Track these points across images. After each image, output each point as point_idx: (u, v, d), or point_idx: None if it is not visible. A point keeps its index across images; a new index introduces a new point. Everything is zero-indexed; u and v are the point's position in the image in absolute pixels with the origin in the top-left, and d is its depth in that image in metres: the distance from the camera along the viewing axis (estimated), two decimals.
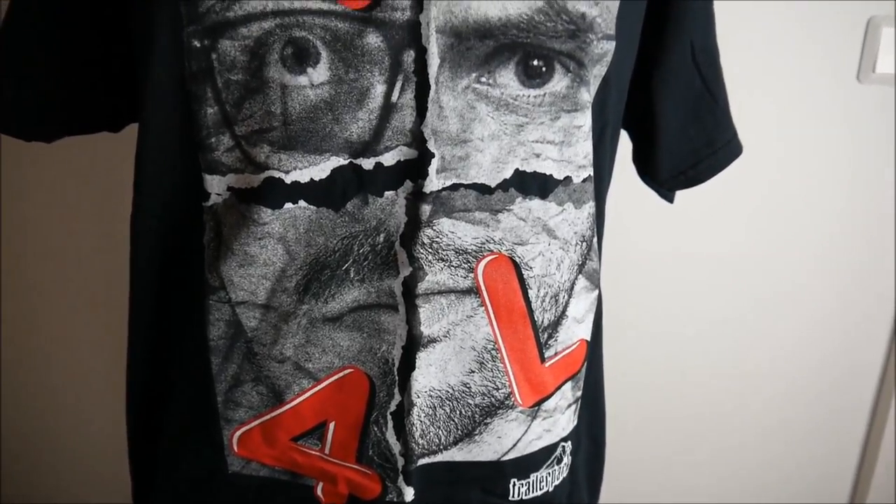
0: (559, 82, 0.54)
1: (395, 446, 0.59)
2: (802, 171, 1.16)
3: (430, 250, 0.55)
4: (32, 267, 1.19)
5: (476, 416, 0.60)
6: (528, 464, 0.64)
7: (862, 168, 1.16)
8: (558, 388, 0.63)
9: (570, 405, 0.65)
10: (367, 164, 0.53)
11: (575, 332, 0.63)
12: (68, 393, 1.26)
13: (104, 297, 1.20)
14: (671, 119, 0.67)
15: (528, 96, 0.54)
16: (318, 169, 0.53)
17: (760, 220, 1.18)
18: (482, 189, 0.55)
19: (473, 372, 0.59)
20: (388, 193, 0.54)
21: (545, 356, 0.61)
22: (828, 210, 1.18)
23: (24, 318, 1.23)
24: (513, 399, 0.60)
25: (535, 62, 0.53)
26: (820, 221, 1.19)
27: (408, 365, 0.57)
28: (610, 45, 0.56)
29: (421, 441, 0.59)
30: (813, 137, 1.14)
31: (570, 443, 0.67)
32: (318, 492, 0.62)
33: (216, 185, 0.55)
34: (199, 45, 0.52)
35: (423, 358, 0.57)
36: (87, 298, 1.20)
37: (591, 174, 0.60)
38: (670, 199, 0.74)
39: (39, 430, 1.29)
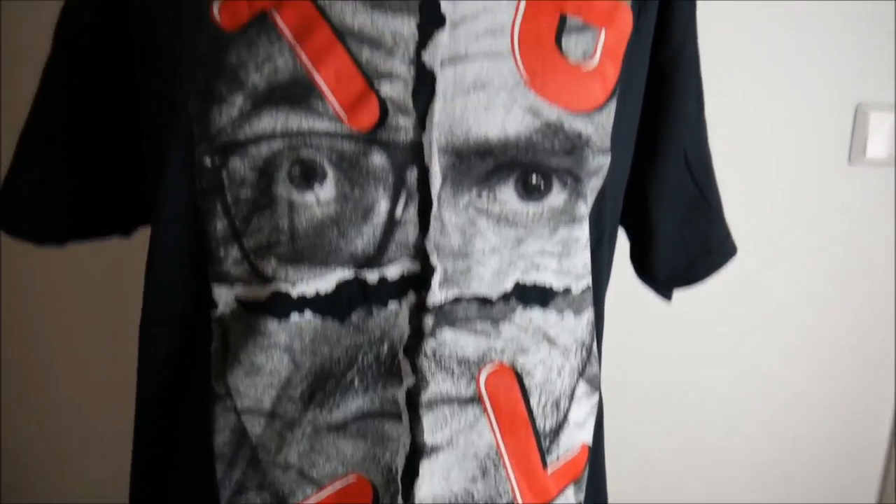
0: (557, 197, 0.56)
1: None
2: (797, 255, 1.18)
3: (432, 360, 0.56)
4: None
5: None
6: None
7: (856, 249, 1.18)
8: (561, 492, 0.63)
9: None
10: (372, 276, 0.55)
11: (577, 436, 0.63)
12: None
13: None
14: (666, 224, 0.68)
15: (528, 211, 0.56)
16: (324, 281, 0.55)
17: (755, 303, 1.19)
18: (484, 300, 0.56)
19: (476, 480, 0.59)
20: (392, 305, 0.55)
21: (547, 462, 0.61)
22: (823, 290, 1.20)
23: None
24: None
25: (534, 179, 0.55)
26: (814, 302, 1.20)
27: (411, 473, 0.57)
28: (606, 159, 0.58)
29: None
30: (808, 220, 1.16)
31: None
32: None
33: (224, 296, 0.56)
34: (210, 163, 0.54)
35: (426, 466, 0.57)
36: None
37: (590, 283, 0.61)
38: (668, 298, 0.75)
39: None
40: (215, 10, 0.52)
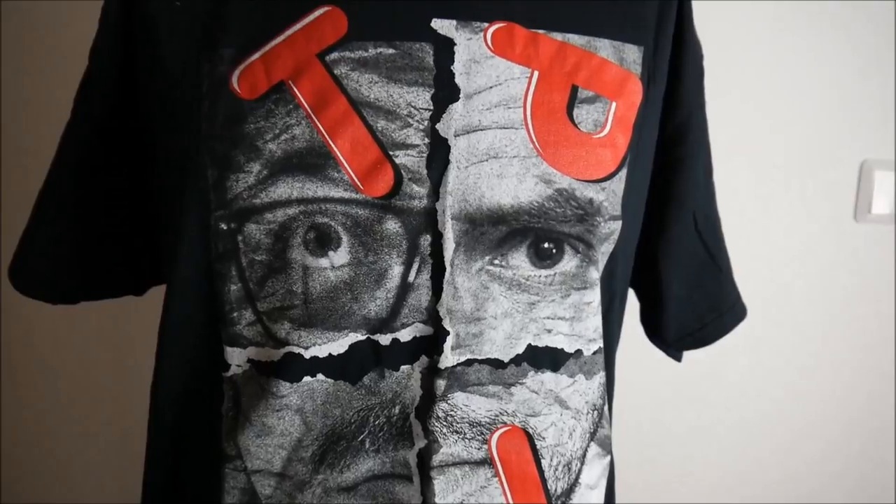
0: (569, 262, 0.57)
1: None
2: (804, 313, 1.18)
3: (444, 423, 0.56)
4: None
5: None
6: None
7: (862, 307, 1.18)
8: None
9: None
10: (385, 339, 0.55)
11: (588, 498, 0.63)
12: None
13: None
14: (676, 287, 0.69)
15: (540, 276, 0.56)
16: (337, 345, 0.55)
17: (761, 362, 1.19)
18: (495, 364, 0.56)
19: None
20: (404, 368, 0.56)
21: None
22: (829, 346, 1.20)
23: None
24: None
25: (546, 245, 0.56)
26: (821, 359, 1.20)
27: None
28: (616, 225, 0.59)
29: None
30: (814, 276, 1.17)
31: None
32: None
33: (237, 357, 0.57)
34: (226, 227, 0.55)
35: None
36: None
37: (601, 346, 0.61)
38: (678, 359, 0.75)
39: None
40: (234, 80, 0.54)
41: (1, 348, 1.23)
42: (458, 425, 0.56)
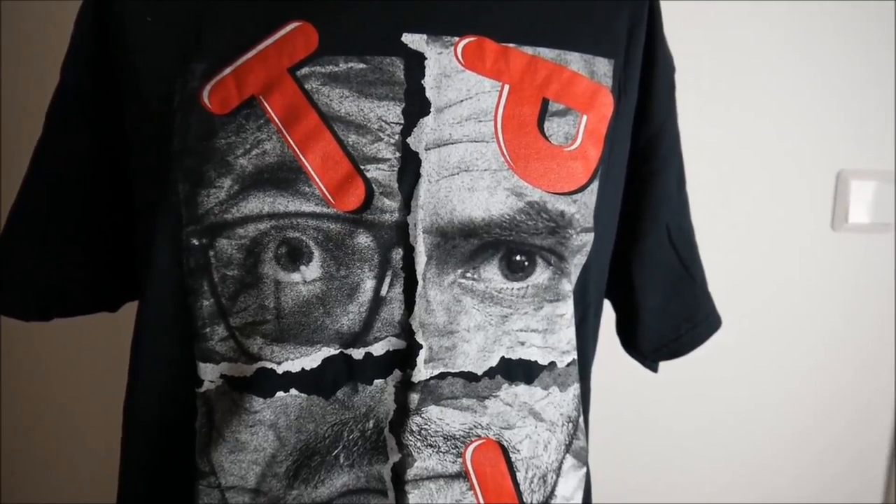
0: (541, 275, 0.57)
1: None
2: (782, 322, 1.19)
3: (418, 437, 0.56)
4: None
5: None
6: None
7: (840, 314, 1.19)
8: None
9: None
10: (357, 354, 0.55)
11: None
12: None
13: None
14: (651, 298, 0.69)
15: (512, 289, 0.56)
16: (310, 359, 0.55)
17: (738, 372, 1.20)
18: (469, 377, 0.56)
19: None
20: (377, 382, 0.56)
21: None
22: (808, 355, 1.20)
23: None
24: None
25: (518, 257, 0.56)
26: (800, 366, 1.21)
27: None
28: (589, 237, 0.59)
29: None
30: (792, 285, 1.18)
31: None
32: None
33: (210, 373, 0.57)
34: (197, 243, 0.55)
35: None
36: None
37: (575, 358, 0.62)
38: (654, 370, 0.75)
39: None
40: (205, 95, 0.54)
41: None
42: (433, 439, 0.56)
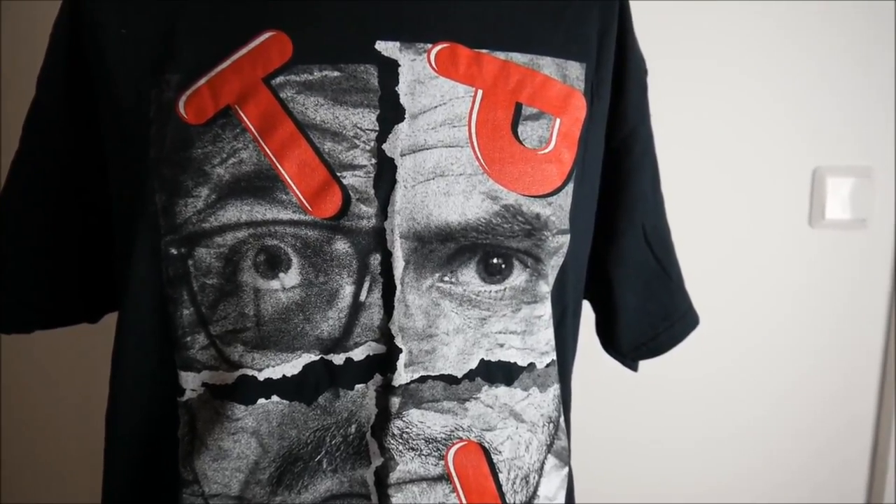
0: (518, 277, 0.58)
1: None
2: (759, 319, 1.20)
3: (400, 440, 0.56)
4: None
5: None
6: None
7: (818, 311, 1.20)
8: None
9: None
10: (338, 359, 0.56)
11: None
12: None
13: None
14: (628, 298, 0.70)
15: (490, 291, 0.57)
16: (290, 366, 0.55)
17: (720, 361, 1.21)
18: (449, 380, 0.57)
19: None
20: (358, 387, 0.56)
21: None
22: (787, 351, 1.22)
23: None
24: None
25: (495, 260, 0.57)
26: (779, 363, 1.22)
27: None
28: (565, 239, 0.60)
29: None
30: (770, 282, 1.19)
31: None
32: None
33: (191, 382, 0.57)
34: (176, 252, 0.55)
35: None
36: None
37: (554, 358, 0.62)
38: (634, 368, 0.76)
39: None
40: (181, 105, 0.54)
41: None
42: (414, 442, 0.57)
